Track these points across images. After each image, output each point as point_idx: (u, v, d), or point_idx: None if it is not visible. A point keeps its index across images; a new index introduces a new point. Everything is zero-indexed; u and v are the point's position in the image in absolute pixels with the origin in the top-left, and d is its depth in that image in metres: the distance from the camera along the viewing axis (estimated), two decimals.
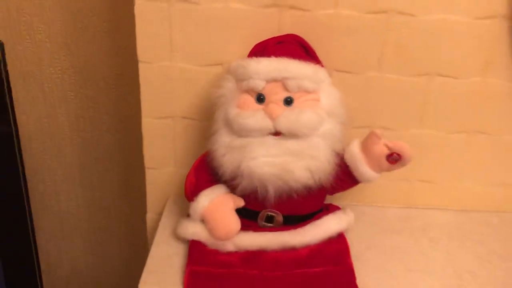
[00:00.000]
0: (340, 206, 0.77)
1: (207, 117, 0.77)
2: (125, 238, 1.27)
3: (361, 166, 0.69)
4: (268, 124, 0.66)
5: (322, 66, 0.71)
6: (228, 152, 0.68)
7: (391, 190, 0.86)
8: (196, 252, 0.69)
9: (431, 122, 0.81)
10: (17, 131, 0.91)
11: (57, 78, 1.06)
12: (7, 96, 0.81)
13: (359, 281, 0.67)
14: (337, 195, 0.77)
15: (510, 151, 0.82)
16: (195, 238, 0.71)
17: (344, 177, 0.70)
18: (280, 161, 0.66)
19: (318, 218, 0.73)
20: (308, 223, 0.72)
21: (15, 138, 0.91)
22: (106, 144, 1.14)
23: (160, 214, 0.83)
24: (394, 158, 0.68)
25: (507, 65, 0.76)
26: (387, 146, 0.68)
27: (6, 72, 0.77)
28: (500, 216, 0.85)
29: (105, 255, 1.30)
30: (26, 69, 1.03)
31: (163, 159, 0.83)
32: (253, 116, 0.66)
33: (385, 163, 0.68)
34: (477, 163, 0.84)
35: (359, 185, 0.74)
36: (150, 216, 0.88)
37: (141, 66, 0.76)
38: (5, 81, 0.76)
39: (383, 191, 0.86)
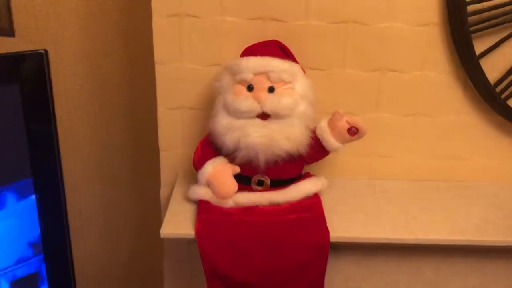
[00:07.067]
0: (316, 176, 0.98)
1: (207, 107, 0.98)
2: (134, 228, 1.47)
3: (328, 137, 0.90)
4: (256, 106, 0.87)
5: (297, 63, 0.93)
6: (228, 132, 0.88)
7: (357, 164, 1.07)
8: (204, 206, 0.90)
9: (385, 107, 1.02)
10: (56, 131, 0.93)
11: (77, 86, 1.27)
12: (50, 101, 0.93)
13: (329, 225, 0.87)
14: (314, 170, 0.98)
15: (447, 129, 1.04)
16: (203, 198, 0.91)
17: (316, 147, 0.91)
18: (268, 135, 0.87)
19: (298, 182, 0.94)
20: (290, 185, 0.93)
21: (54, 137, 0.93)
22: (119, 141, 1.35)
23: (171, 188, 1.03)
24: (353, 131, 0.89)
25: (439, 61, 0.99)
26: (347, 121, 0.89)
27: (50, 78, 0.90)
28: (444, 184, 1.07)
29: (116, 246, 1.49)
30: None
31: (173, 142, 1.04)
32: (245, 101, 0.87)
33: (346, 135, 0.90)
34: (423, 140, 1.05)
35: (331, 161, 0.95)
36: (163, 190, 1.08)
37: (157, 67, 0.97)
38: (48, 86, 0.90)
39: (351, 166, 1.07)
